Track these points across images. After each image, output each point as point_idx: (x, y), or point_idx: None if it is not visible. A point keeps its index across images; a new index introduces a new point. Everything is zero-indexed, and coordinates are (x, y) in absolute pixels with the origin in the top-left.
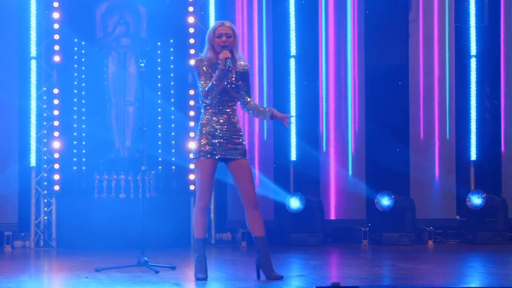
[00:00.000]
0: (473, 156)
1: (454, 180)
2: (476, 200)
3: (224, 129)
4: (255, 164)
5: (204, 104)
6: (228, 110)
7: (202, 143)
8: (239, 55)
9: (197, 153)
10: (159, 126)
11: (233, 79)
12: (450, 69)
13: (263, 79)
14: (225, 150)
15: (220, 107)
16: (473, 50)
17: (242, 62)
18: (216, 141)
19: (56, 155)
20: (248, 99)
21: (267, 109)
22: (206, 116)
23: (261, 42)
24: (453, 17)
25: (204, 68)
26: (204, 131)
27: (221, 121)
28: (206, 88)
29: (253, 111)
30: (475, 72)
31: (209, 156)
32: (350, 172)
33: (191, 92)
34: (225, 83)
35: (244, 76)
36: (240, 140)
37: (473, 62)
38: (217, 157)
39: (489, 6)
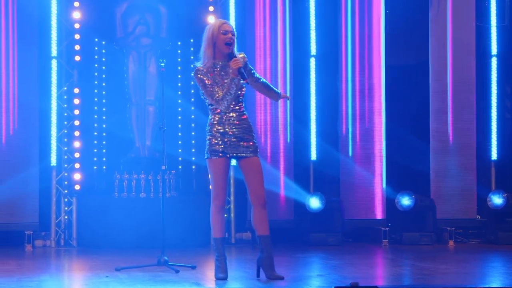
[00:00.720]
0: (494, 155)
1: (474, 180)
2: (497, 200)
3: (234, 127)
4: (280, 167)
5: (213, 107)
6: (237, 107)
7: (213, 143)
8: (236, 54)
9: (208, 153)
10: (179, 125)
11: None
12: (471, 69)
13: (285, 79)
14: (236, 148)
15: (229, 107)
16: (494, 49)
17: (240, 56)
18: (227, 139)
19: (77, 155)
20: (260, 79)
21: (278, 91)
22: (216, 116)
23: (281, 41)
24: (474, 16)
25: (205, 79)
26: (214, 131)
27: (231, 119)
28: (220, 98)
29: (263, 86)
30: (495, 71)
31: (220, 155)
32: (370, 172)
33: None
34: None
35: (245, 68)
36: (251, 137)
37: (494, 62)
38: (228, 155)
39: (510, 5)
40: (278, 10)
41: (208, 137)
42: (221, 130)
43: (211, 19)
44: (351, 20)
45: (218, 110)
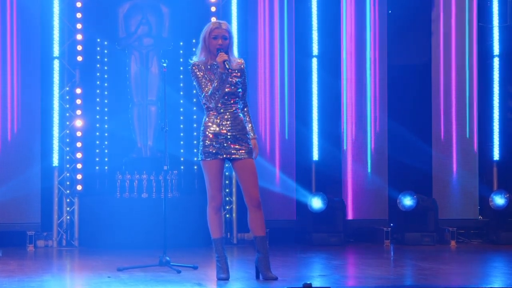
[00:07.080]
0: (496, 156)
1: (476, 180)
2: (499, 200)
3: (228, 129)
4: (275, 164)
5: (206, 106)
6: (231, 109)
7: (207, 144)
8: (234, 57)
9: (202, 154)
10: (181, 126)
11: (232, 79)
12: (472, 69)
13: (285, 79)
14: (229, 150)
15: (223, 108)
16: (496, 49)
17: (238, 61)
18: (221, 141)
19: (79, 155)
20: (246, 107)
21: (252, 134)
22: (210, 117)
23: (283, 42)
24: (476, 16)
25: (200, 73)
26: (208, 132)
27: (224, 121)
28: (209, 93)
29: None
30: (498, 71)
31: (214, 156)
32: (372, 172)
33: None
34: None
35: (240, 74)
36: (245, 139)
37: (496, 62)
38: (222, 156)
39: None
40: (280, 10)
41: (201, 138)
42: (215, 131)
43: (213, 19)
44: (352, 20)
45: (213, 113)
